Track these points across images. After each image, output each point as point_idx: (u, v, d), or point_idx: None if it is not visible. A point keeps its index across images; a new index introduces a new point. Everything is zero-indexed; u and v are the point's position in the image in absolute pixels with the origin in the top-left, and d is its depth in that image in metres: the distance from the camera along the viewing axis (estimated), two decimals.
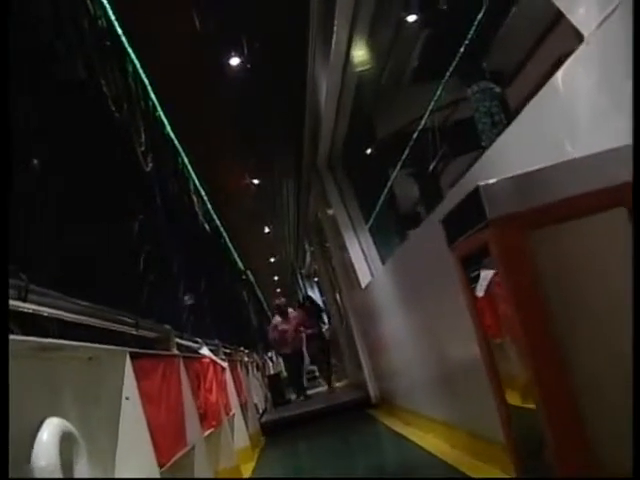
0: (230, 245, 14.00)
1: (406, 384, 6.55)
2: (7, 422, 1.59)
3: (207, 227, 9.99)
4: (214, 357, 5.65)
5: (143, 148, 5.86)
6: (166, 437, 3.38)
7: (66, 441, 1.97)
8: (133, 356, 2.90)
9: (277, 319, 12.99)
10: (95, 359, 2.70)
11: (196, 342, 5.59)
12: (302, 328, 12.83)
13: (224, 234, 12.92)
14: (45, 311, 2.09)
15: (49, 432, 1.91)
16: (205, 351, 5.56)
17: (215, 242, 11.68)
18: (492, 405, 2.14)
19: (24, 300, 1.91)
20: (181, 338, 4.81)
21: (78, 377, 2.57)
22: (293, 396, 13.24)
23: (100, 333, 2.95)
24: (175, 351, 4.26)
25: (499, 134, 2.65)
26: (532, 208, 1.62)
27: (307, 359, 14.46)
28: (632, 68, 1.68)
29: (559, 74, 2.01)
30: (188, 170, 8.76)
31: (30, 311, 1.98)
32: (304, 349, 13.34)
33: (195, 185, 9.30)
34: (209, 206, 10.55)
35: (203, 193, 9.85)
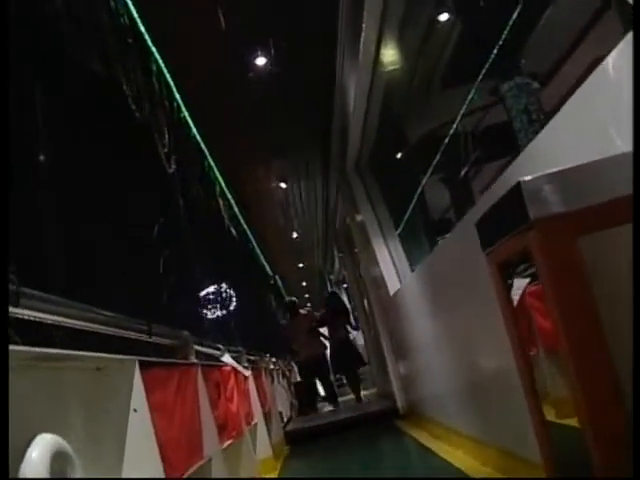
0: (258, 250, 13.85)
1: (435, 395, 6.30)
2: (7, 423, 1.54)
3: (234, 231, 9.84)
4: (236, 365, 5.48)
5: (166, 149, 5.73)
6: (180, 450, 3.21)
7: (59, 459, 1.80)
8: (143, 365, 2.73)
9: (293, 323, 11.88)
10: (101, 369, 2.54)
11: (218, 349, 5.42)
12: (320, 329, 11.54)
13: (252, 239, 12.78)
14: (39, 317, 1.93)
15: (39, 450, 1.74)
16: (227, 359, 5.39)
17: (242, 246, 11.54)
18: (527, 421, 1.93)
19: (16, 305, 1.75)
20: (201, 345, 4.64)
21: (81, 388, 2.41)
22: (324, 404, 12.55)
23: (107, 341, 2.79)
24: (193, 359, 4.09)
25: (537, 133, 2.44)
26: (583, 208, 1.40)
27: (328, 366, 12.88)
28: (632, 68, 1.55)
29: (609, 59, 1.79)
30: (214, 173, 8.63)
31: (22, 317, 1.82)
32: (326, 355, 11.73)
33: (222, 188, 9.17)
34: (236, 210, 10.41)
35: (230, 197, 9.71)
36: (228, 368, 5.26)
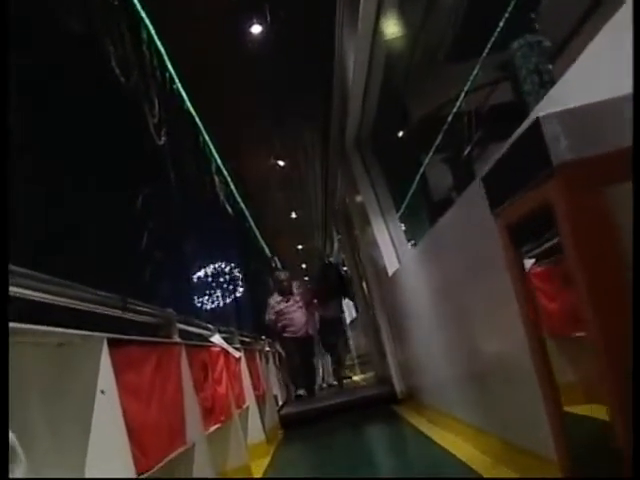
0: (255, 230, 13.57)
1: (435, 381, 6.07)
2: (7, 421, 1.51)
3: (230, 209, 9.58)
4: (226, 346, 5.24)
5: (156, 120, 5.47)
6: (157, 435, 2.97)
7: None
8: (113, 343, 2.48)
9: (276, 298, 10.46)
10: (63, 345, 2.30)
11: (207, 329, 5.18)
12: (316, 308, 10.76)
13: (249, 218, 12.52)
14: None
15: None
16: (217, 339, 5.15)
17: (239, 226, 11.29)
18: (538, 411, 1.69)
19: None
20: (188, 324, 4.40)
21: (39, 367, 2.18)
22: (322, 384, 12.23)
23: (80, 318, 2.54)
24: (177, 338, 3.85)
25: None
26: (617, 150, 1.13)
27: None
28: (632, 66, 1.35)
29: None
30: (209, 148, 8.36)
31: None
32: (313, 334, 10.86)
33: (217, 164, 8.90)
34: (232, 187, 10.15)
35: (225, 173, 9.44)
36: (217, 349, 5.02)
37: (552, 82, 2.93)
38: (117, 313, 2.89)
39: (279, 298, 10.37)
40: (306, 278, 16.15)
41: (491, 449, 3.88)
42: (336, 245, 16.86)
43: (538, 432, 1.81)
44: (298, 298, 10.43)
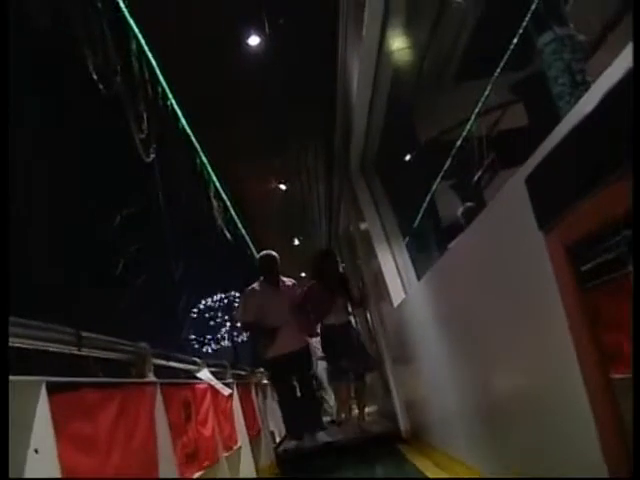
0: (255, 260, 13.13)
1: (444, 421, 5.56)
2: (7, 420, 1.51)
3: (228, 235, 9.17)
4: (214, 383, 4.78)
5: (144, 135, 5.08)
6: None
7: None
8: (55, 388, 2.05)
9: (254, 287, 7.04)
10: None
11: (193, 363, 4.74)
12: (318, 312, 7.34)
13: (250, 244, 12.10)
14: None
15: None
16: (204, 375, 4.70)
17: (239, 252, 10.87)
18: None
19: None
20: (167, 359, 3.95)
21: None
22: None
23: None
24: (151, 376, 3.40)
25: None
26: None
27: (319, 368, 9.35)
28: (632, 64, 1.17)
29: None
30: (207, 171, 7.98)
31: None
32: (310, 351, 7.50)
33: (215, 188, 8.51)
34: (232, 212, 9.75)
35: (225, 197, 9.05)
36: (204, 386, 4.57)
37: (586, 83, 2.52)
38: (72, 350, 2.46)
39: (261, 287, 6.86)
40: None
41: None
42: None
43: None
44: (290, 293, 7.17)
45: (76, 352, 2.46)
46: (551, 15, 2.90)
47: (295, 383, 7.09)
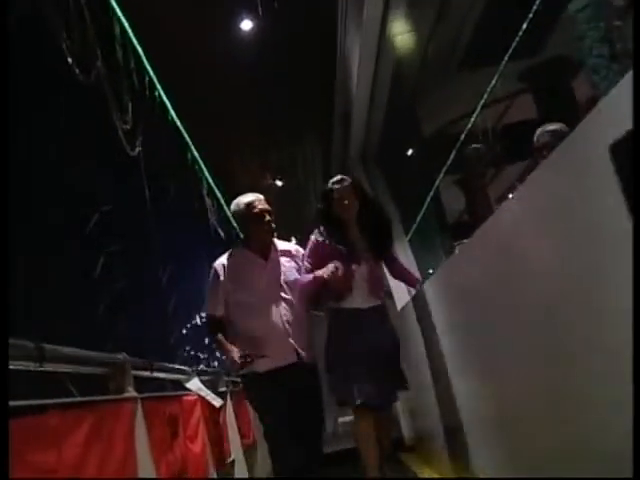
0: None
1: (454, 427, 5.19)
2: (7, 419, 1.46)
3: (222, 233, 8.81)
4: (205, 393, 4.42)
5: (128, 127, 4.73)
6: None
7: None
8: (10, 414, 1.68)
9: (229, 257, 4.09)
10: None
11: (182, 372, 4.38)
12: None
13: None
14: None
15: None
16: (193, 385, 4.34)
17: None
18: None
19: None
20: (151, 369, 3.59)
21: None
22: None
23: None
24: (130, 391, 3.03)
25: (623, 73, 1.37)
26: None
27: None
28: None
29: None
30: (199, 166, 7.62)
31: None
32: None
33: (209, 185, 8.16)
34: (227, 211, 9.39)
35: (219, 195, 8.70)
36: (193, 397, 4.21)
37: (627, 54, 2.16)
38: (30, 366, 2.09)
39: (238, 257, 4.11)
40: None
41: None
42: None
43: None
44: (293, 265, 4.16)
45: (38, 369, 2.10)
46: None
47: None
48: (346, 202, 3.95)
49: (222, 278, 4.02)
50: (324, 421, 4.32)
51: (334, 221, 4.00)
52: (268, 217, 4.01)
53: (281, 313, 4.00)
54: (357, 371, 3.84)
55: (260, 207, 4.00)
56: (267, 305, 3.98)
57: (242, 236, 4.32)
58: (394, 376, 4.12)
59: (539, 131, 4.33)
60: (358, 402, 3.80)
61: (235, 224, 10.04)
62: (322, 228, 4.04)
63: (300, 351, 4.01)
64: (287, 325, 3.99)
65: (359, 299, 4.00)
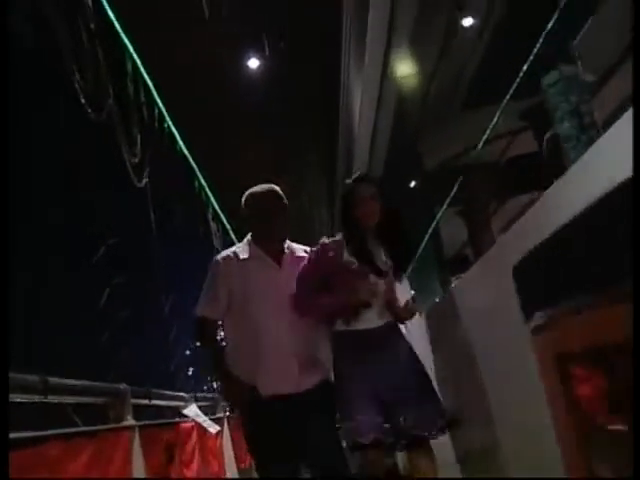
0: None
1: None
2: (7, 419, 1.44)
3: None
4: (202, 420, 4.56)
5: (137, 160, 4.93)
6: None
7: None
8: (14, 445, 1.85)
9: (234, 251, 2.84)
10: None
11: (180, 399, 4.53)
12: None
13: None
14: None
15: None
16: (190, 412, 4.48)
17: None
18: None
19: None
20: (150, 397, 3.76)
21: None
22: None
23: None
24: (129, 419, 3.20)
25: (591, 142, 1.54)
26: None
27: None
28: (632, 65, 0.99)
29: None
30: (206, 193, 7.81)
31: None
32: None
33: (214, 210, 8.34)
34: (232, 236, 9.58)
35: (225, 220, 8.87)
36: (189, 424, 4.35)
37: (594, 126, 2.34)
38: (32, 398, 2.27)
39: (246, 254, 2.87)
40: None
41: None
42: None
43: None
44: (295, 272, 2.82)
45: (42, 400, 2.27)
46: (557, 53, 2.73)
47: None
48: (368, 206, 2.75)
49: (229, 275, 2.83)
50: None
51: (353, 227, 2.82)
52: (276, 215, 2.87)
53: (293, 323, 2.79)
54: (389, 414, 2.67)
55: (269, 201, 2.86)
56: (277, 313, 2.80)
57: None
58: (432, 409, 2.75)
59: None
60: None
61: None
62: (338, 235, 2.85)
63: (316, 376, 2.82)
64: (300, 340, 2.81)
65: (370, 317, 2.80)
